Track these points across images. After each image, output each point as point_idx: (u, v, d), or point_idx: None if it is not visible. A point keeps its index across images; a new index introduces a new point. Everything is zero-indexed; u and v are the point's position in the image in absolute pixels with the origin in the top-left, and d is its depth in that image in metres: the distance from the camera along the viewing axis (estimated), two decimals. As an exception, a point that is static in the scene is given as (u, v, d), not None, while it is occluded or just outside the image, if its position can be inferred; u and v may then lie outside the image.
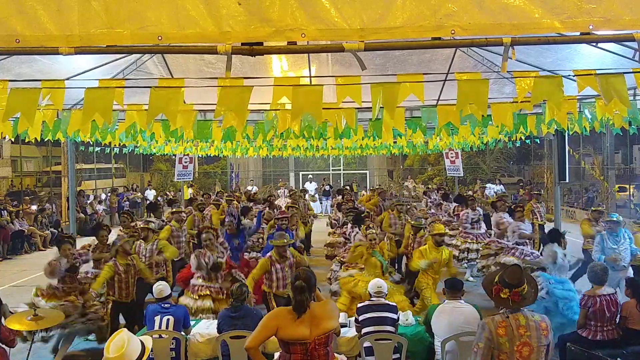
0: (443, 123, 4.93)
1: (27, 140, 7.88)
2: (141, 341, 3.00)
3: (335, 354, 3.59)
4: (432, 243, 6.44)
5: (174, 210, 8.93)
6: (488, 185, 18.99)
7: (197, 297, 5.87)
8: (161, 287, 5.11)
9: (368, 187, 22.50)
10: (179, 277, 6.81)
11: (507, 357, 3.03)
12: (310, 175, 24.94)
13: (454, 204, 11.14)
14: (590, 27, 2.56)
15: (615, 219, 7.38)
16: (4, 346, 4.31)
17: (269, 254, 6.06)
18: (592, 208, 9.06)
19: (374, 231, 6.68)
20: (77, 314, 5.70)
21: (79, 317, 5.72)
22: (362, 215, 8.40)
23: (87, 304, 5.91)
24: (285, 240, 5.88)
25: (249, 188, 20.81)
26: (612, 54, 4.89)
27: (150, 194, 21.86)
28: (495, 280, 3.18)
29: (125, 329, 3.01)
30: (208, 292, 5.88)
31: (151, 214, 9.08)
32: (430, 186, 18.19)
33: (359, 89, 3.83)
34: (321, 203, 21.14)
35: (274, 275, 5.84)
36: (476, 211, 9.64)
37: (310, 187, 21.89)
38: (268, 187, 22.57)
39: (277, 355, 3.69)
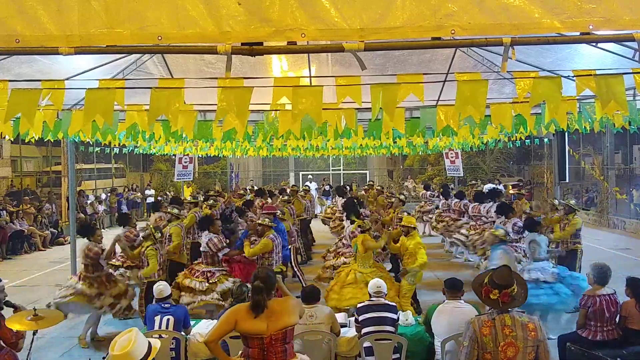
0: (442, 127, 4.92)
1: (27, 140, 7.89)
2: (149, 342, 3.01)
3: (297, 353, 3.61)
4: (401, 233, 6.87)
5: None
6: (487, 185, 18.96)
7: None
8: (161, 288, 5.11)
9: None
10: None
11: (492, 357, 3.02)
12: (310, 176, 24.92)
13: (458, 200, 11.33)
14: (590, 27, 2.56)
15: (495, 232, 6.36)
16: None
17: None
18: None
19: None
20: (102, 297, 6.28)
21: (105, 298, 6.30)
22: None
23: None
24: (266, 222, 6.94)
25: (248, 188, 20.79)
26: (612, 54, 4.89)
27: (150, 194, 21.92)
28: (485, 282, 3.18)
29: (136, 328, 3.02)
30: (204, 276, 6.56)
31: (154, 212, 9.45)
32: (433, 187, 18.25)
33: (359, 89, 3.82)
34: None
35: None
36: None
37: (311, 186, 21.87)
38: (268, 186, 22.57)
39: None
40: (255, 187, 17.33)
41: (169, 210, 8.48)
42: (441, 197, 12.81)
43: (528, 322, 3.06)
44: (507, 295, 3.06)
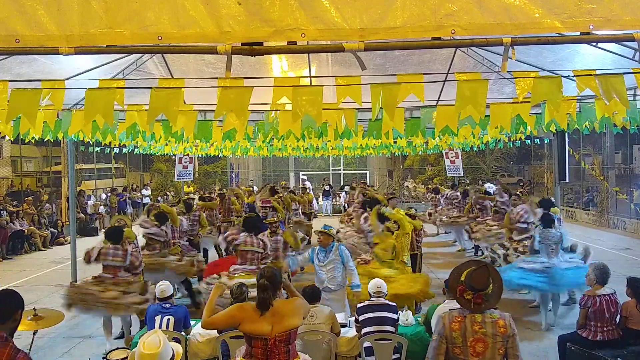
0: (441, 127, 4.93)
1: (27, 140, 7.90)
2: (172, 348, 3.01)
3: (299, 353, 3.61)
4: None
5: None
6: (487, 185, 18.97)
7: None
8: (163, 287, 5.12)
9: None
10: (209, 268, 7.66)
11: (461, 351, 3.05)
12: (304, 177, 24.92)
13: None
14: (591, 27, 2.56)
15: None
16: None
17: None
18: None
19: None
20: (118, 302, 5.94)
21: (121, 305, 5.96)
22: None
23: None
24: (275, 219, 7.29)
25: (255, 188, 20.80)
26: (612, 54, 4.89)
27: (146, 194, 21.92)
28: (462, 279, 3.16)
29: (160, 330, 3.02)
30: (243, 273, 6.28)
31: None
32: (441, 185, 18.08)
33: (359, 89, 3.82)
34: (317, 203, 21.13)
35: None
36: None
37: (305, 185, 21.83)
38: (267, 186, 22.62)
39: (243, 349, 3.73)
40: (256, 188, 17.37)
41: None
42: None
43: (498, 319, 3.08)
44: (481, 297, 3.07)
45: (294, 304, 3.53)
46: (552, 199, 8.60)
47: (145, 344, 2.88)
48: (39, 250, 14.33)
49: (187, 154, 15.12)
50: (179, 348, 3.11)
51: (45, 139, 7.22)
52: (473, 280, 3.09)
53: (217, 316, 3.47)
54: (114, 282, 6.04)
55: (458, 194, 13.42)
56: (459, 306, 4.44)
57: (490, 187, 18.09)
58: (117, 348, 4.67)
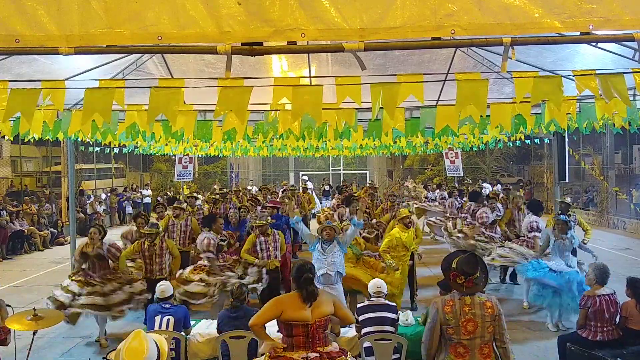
0: (441, 127, 4.93)
1: (26, 140, 7.89)
2: (154, 341, 2.86)
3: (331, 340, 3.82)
4: (401, 226, 7.11)
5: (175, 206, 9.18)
6: (484, 185, 18.98)
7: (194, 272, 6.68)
8: (163, 287, 5.12)
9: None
10: None
11: (454, 331, 3.36)
12: (305, 177, 24.95)
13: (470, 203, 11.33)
14: (590, 27, 2.56)
15: None
16: None
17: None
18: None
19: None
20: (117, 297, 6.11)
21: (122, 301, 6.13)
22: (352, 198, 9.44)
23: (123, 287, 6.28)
24: (264, 222, 7.11)
25: (249, 188, 20.82)
26: (612, 54, 4.89)
27: (146, 194, 21.91)
28: (453, 267, 3.46)
29: (142, 331, 2.84)
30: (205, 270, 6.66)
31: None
32: (431, 186, 18.30)
33: (359, 89, 3.82)
34: (320, 203, 21.10)
35: (258, 247, 7.00)
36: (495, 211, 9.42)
37: (307, 185, 21.82)
38: (269, 185, 22.61)
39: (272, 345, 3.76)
40: (256, 188, 17.43)
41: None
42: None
43: (486, 301, 3.39)
44: (472, 281, 3.39)
45: (325, 294, 3.79)
46: (569, 202, 8.69)
47: (128, 352, 2.64)
48: (39, 250, 14.33)
49: (187, 154, 15.12)
50: (163, 343, 2.87)
51: (45, 139, 7.22)
52: (464, 265, 3.40)
53: (260, 313, 3.64)
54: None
55: (438, 194, 13.98)
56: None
57: (486, 187, 18.13)
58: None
